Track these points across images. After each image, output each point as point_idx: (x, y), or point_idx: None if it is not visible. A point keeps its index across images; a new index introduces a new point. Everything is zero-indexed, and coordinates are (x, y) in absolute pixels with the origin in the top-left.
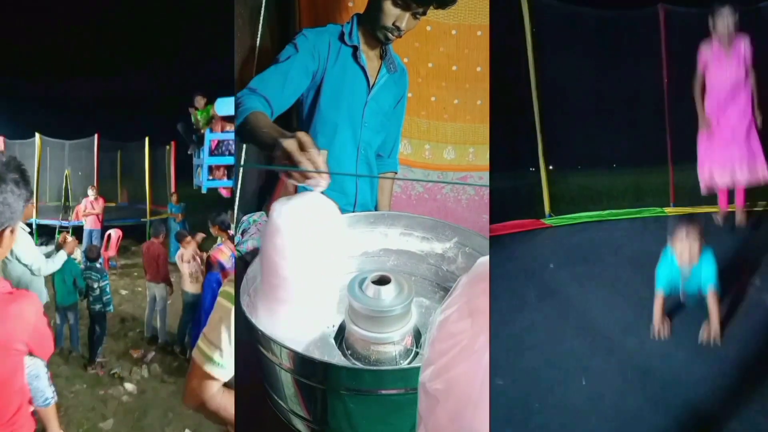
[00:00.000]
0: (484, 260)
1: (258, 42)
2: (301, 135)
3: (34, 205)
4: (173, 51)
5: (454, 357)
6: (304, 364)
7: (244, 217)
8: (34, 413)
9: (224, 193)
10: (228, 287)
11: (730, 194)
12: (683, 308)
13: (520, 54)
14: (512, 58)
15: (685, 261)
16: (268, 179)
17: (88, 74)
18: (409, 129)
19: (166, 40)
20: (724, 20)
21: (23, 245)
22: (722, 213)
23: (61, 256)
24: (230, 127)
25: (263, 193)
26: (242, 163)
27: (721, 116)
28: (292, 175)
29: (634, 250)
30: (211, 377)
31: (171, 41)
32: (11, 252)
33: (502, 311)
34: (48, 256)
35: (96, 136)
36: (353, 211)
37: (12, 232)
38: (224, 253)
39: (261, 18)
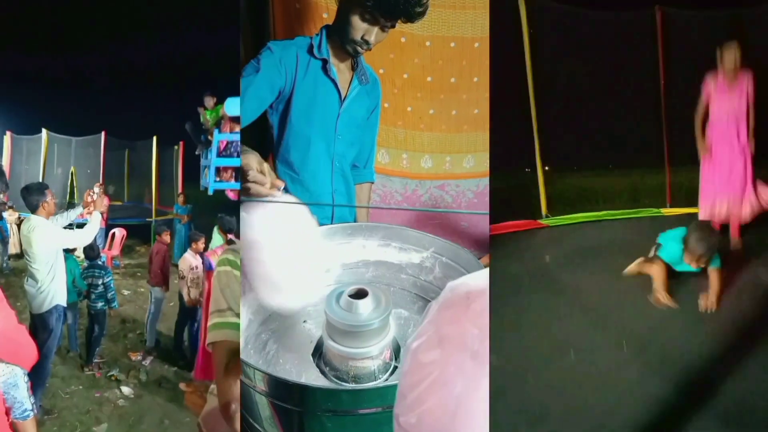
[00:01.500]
0: (454, 285)
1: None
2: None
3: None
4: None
5: (426, 389)
6: (279, 387)
7: None
8: (12, 425)
9: (231, 195)
10: (228, 255)
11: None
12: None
13: (517, 56)
14: (508, 60)
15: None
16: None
17: (97, 71)
18: (387, 138)
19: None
20: (732, 55)
21: (52, 237)
22: None
23: (96, 219)
24: (239, 128)
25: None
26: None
27: (720, 148)
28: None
29: (632, 250)
30: (237, 345)
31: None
32: (30, 253)
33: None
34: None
35: (103, 133)
36: (331, 224)
37: None
38: (216, 255)
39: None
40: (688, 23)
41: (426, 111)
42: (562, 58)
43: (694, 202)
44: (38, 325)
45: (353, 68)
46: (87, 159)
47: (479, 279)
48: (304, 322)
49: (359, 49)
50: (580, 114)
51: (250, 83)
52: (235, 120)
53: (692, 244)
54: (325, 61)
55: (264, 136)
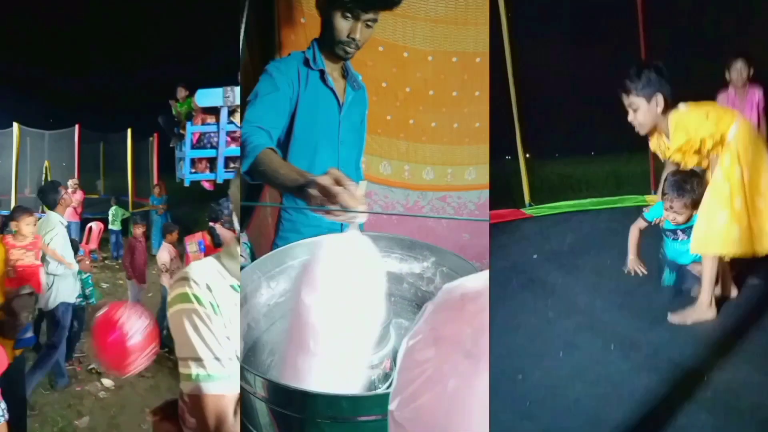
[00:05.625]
0: (450, 287)
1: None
2: (334, 171)
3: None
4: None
5: (420, 386)
6: (279, 393)
7: None
8: None
9: (207, 185)
10: (183, 289)
11: None
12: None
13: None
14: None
15: (678, 222)
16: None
17: (70, 64)
18: (389, 150)
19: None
20: (739, 72)
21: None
22: None
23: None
24: (211, 120)
25: (242, 215)
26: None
27: None
28: (330, 212)
29: (617, 238)
30: (218, 397)
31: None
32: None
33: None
34: None
35: (77, 126)
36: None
37: None
38: (193, 238)
39: (241, 36)
40: (668, 7)
41: (428, 124)
42: (542, 43)
43: None
44: (46, 320)
45: (344, 76)
46: (61, 152)
47: (475, 281)
48: None
49: (348, 48)
50: (560, 99)
51: (276, 99)
52: (207, 111)
53: (664, 186)
54: (322, 72)
55: None
